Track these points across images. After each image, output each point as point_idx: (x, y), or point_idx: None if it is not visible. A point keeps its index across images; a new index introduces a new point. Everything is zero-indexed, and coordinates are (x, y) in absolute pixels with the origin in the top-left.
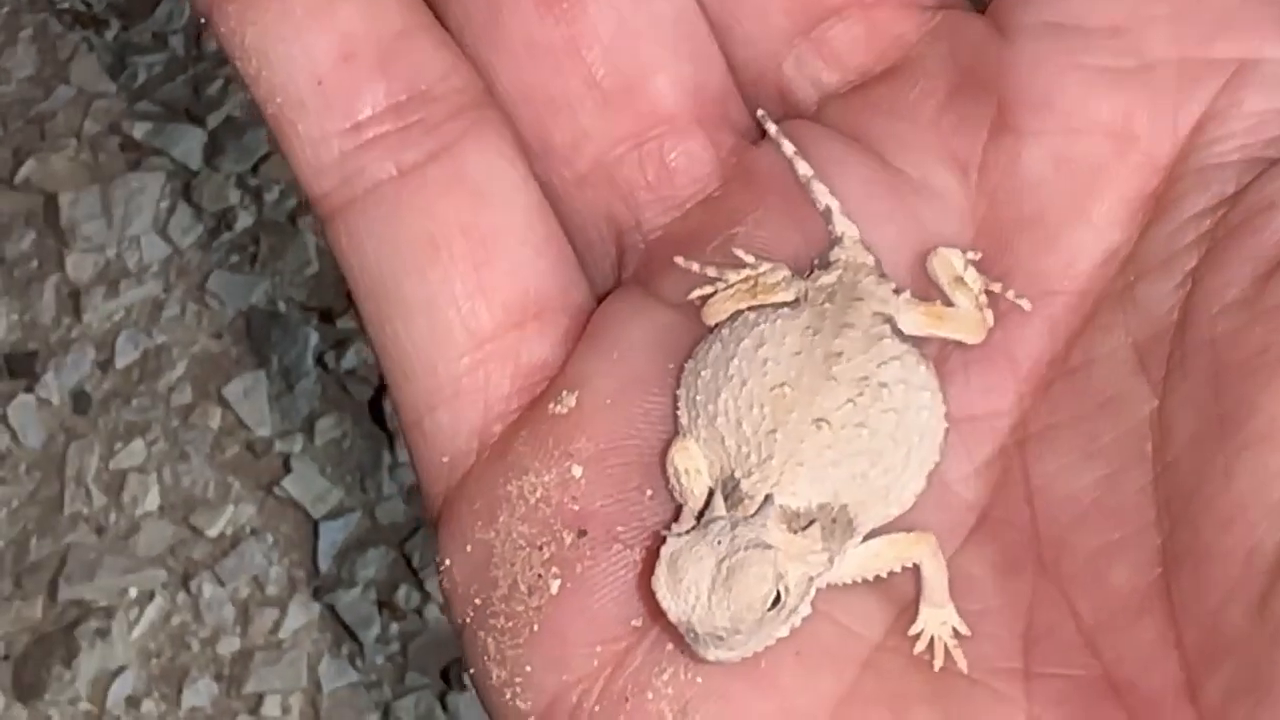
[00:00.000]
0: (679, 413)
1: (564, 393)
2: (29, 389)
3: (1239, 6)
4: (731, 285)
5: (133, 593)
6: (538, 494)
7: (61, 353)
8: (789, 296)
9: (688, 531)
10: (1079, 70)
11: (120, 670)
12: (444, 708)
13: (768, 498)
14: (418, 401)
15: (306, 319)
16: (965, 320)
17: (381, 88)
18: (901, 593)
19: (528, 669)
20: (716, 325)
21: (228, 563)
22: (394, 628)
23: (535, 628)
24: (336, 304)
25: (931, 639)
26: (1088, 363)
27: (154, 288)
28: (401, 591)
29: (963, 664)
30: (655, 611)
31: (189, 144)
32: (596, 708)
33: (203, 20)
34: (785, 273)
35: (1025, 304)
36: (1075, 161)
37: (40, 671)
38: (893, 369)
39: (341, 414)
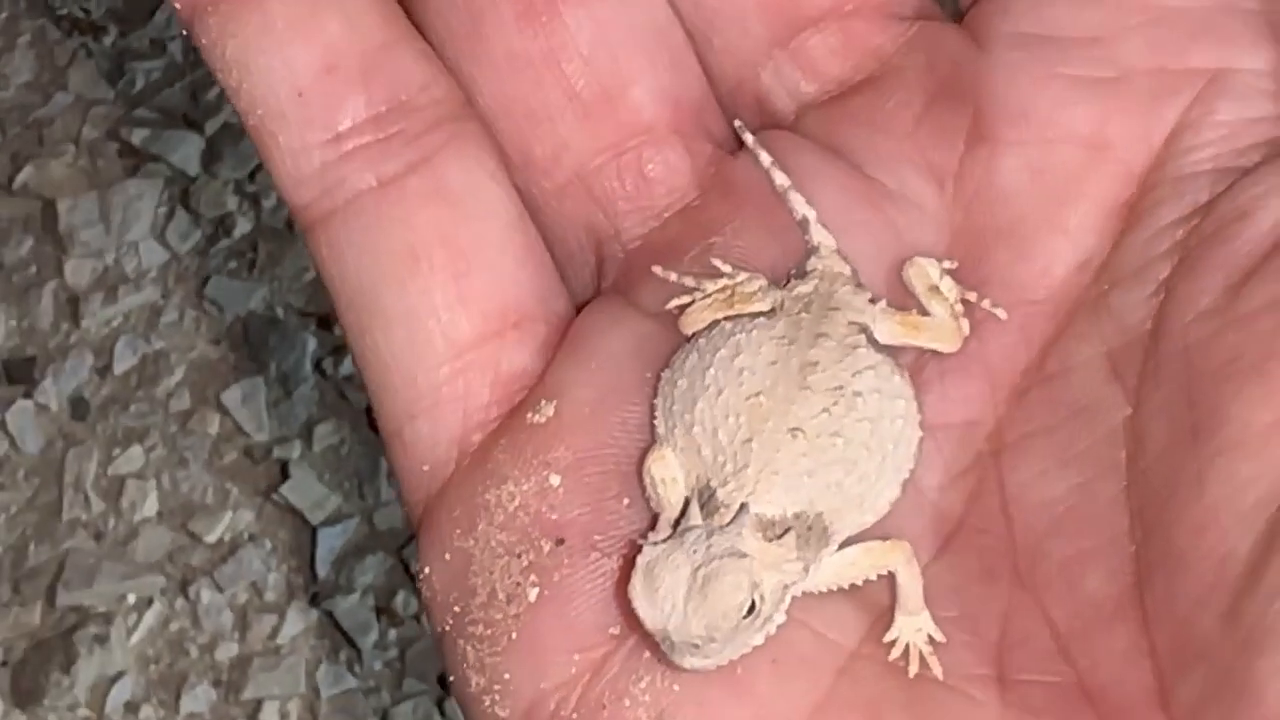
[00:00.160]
0: (656, 422)
1: (543, 402)
2: (27, 395)
3: (1213, 17)
4: (709, 295)
5: (131, 599)
6: (516, 502)
7: (60, 358)
8: (765, 306)
9: (663, 540)
10: (1054, 80)
11: (119, 676)
12: (442, 714)
13: (743, 506)
14: (398, 411)
15: (304, 325)
16: (941, 329)
17: (362, 99)
18: (876, 600)
19: (506, 676)
20: (694, 335)
21: (226, 569)
22: (392, 634)
23: (513, 635)
24: (334, 310)
25: (907, 646)
26: (1063, 371)
27: (152, 294)
28: (399, 597)
29: (938, 671)
30: (631, 620)
31: (187, 150)
32: (574, 715)
33: (184, 31)
34: (762, 282)
35: (1001, 313)
36: (1051, 171)
37: (39, 677)
38: (867, 378)
39: (340, 420)
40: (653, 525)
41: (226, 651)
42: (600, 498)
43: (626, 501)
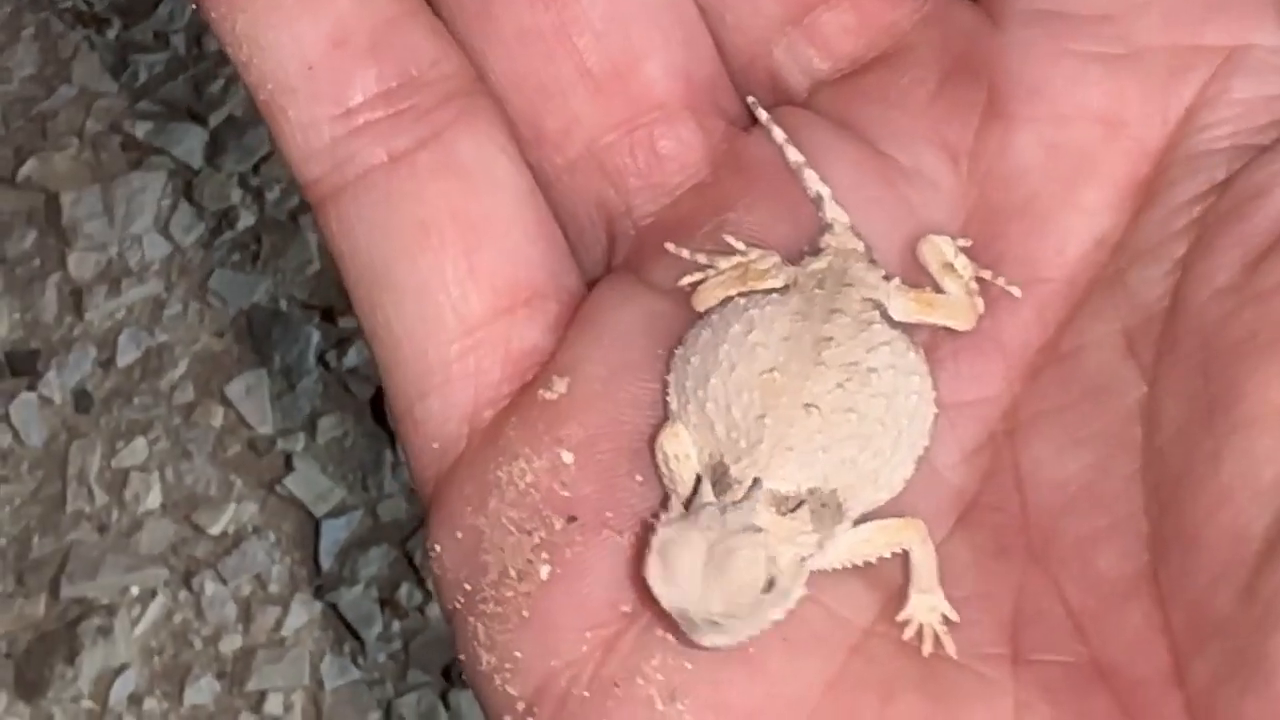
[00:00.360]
0: (669, 399)
1: (554, 378)
2: (31, 387)
3: None
4: (722, 272)
5: (135, 591)
6: (527, 479)
7: (63, 351)
8: (779, 283)
9: (677, 520)
10: (1070, 57)
11: (122, 668)
12: (446, 705)
13: (756, 482)
14: (408, 388)
15: (308, 318)
16: (955, 307)
17: (372, 74)
18: (889, 579)
19: (517, 654)
20: (706, 311)
21: (230, 561)
22: (396, 626)
23: (525, 613)
24: (338, 303)
25: (920, 625)
26: (1078, 349)
27: (156, 286)
28: (403, 589)
29: (951, 649)
30: (647, 599)
31: (190, 143)
32: (585, 693)
33: (194, 6)
34: (775, 259)
35: (1016, 291)
36: (1066, 148)
37: (42, 669)
38: (882, 354)
39: (343, 413)
40: (665, 503)
41: (230, 643)
42: (612, 474)
43: (639, 478)
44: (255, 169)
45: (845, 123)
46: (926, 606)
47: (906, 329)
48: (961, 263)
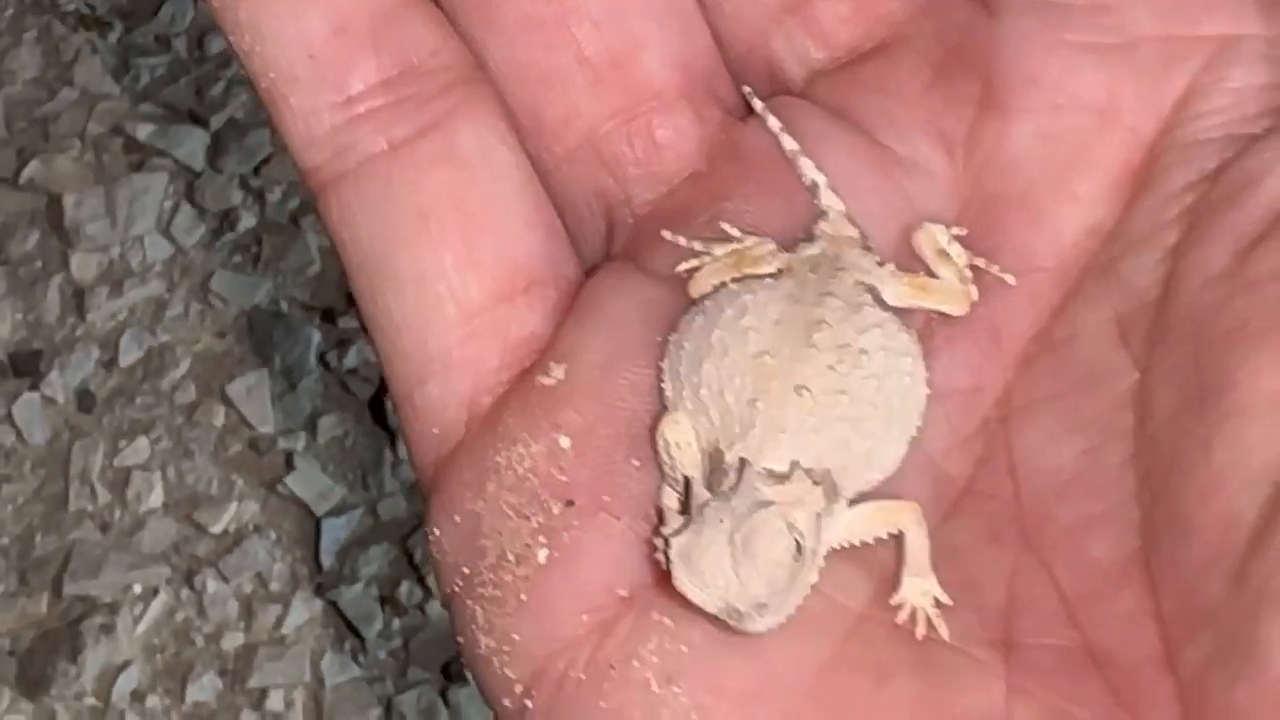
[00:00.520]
0: (664, 385)
1: (552, 365)
2: (34, 387)
3: None
4: (718, 258)
5: (137, 589)
6: (526, 464)
7: (66, 351)
8: (774, 269)
9: (684, 525)
10: (1064, 47)
11: (125, 665)
12: (446, 703)
13: (743, 462)
14: (408, 375)
15: (309, 319)
16: (949, 292)
17: (373, 62)
18: (883, 564)
19: (515, 638)
20: (702, 298)
21: (231, 559)
22: (396, 623)
23: (523, 597)
24: (339, 304)
25: (913, 609)
26: (1071, 337)
27: (157, 287)
28: (404, 588)
29: (944, 633)
30: (686, 605)
31: (192, 145)
32: (582, 676)
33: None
34: (771, 246)
35: (1010, 279)
36: (1060, 138)
37: (45, 667)
38: (873, 336)
39: (344, 412)
40: (662, 490)
41: (232, 641)
42: (609, 460)
43: (636, 463)
44: (256, 171)
45: (842, 112)
46: (920, 590)
47: (901, 315)
48: (956, 250)
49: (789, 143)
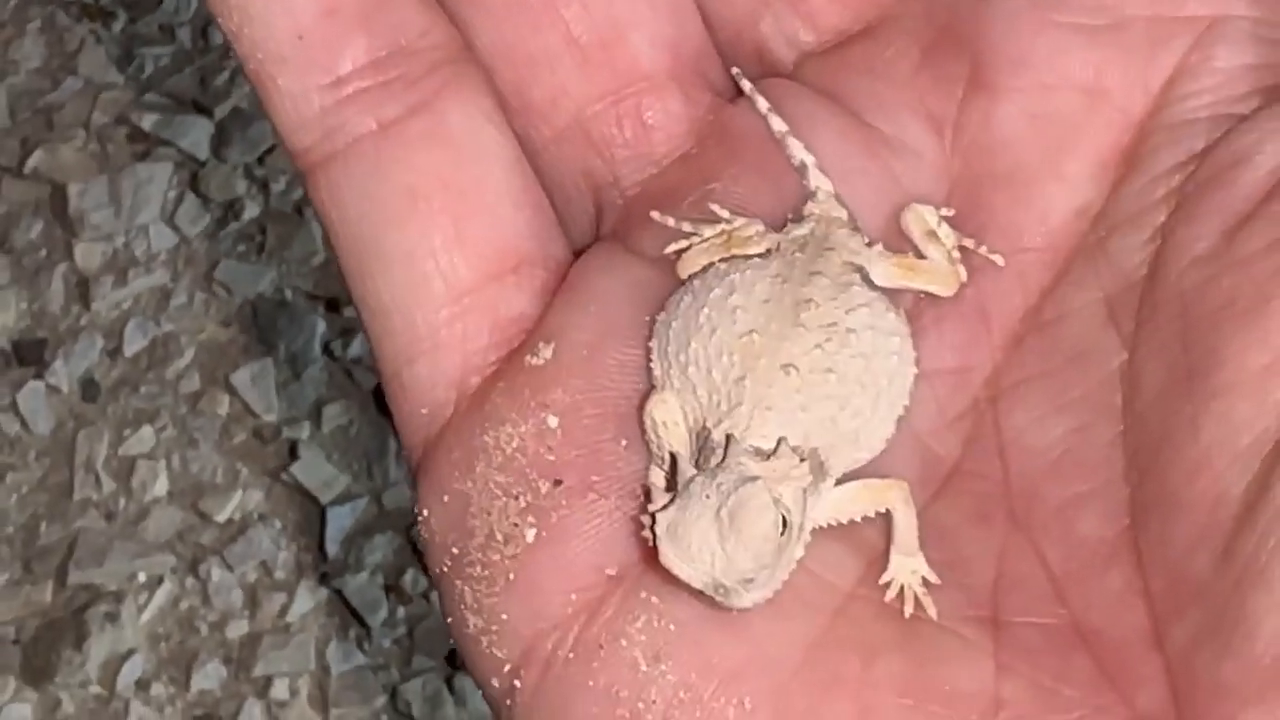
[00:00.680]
0: (652, 364)
1: (540, 345)
2: (38, 376)
3: None
4: (706, 239)
5: (142, 577)
6: (514, 444)
7: (70, 340)
8: (762, 249)
9: (671, 501)
10: (1053, 28)
11: (130, 654)
12: (451, 690)
13: (729, 438)
14: (397, 354)
15: (313, 307)
16: (938, 272)
17: (362, 43)
18: (872, 544)
19: (504, 617)
20: (690, 278)
21: (236, 548)
22: (401, 611)
23: (511, 576)
24: (343, 293)
25: (902, 587)
26: (1059, 317)
27: (162, 277)
28: (408, 576)
29: (932, 611)
30: (673, 581)
31: (196, 135)
32: (571, 655)
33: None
34: (759, 227)
35: (998, 259)
36: (1049, 118)
37: (50, 655)
38: (861, 315)
39: (348, 401)
40: (649, 469)
41: (237, 629)
42: (597, 439)
43: (623, 443)
44: (260, 160)
45: (831, 94)
46: (908, 569)
47: (889, 295)
48: (944, 231)
49: (778, 124)
